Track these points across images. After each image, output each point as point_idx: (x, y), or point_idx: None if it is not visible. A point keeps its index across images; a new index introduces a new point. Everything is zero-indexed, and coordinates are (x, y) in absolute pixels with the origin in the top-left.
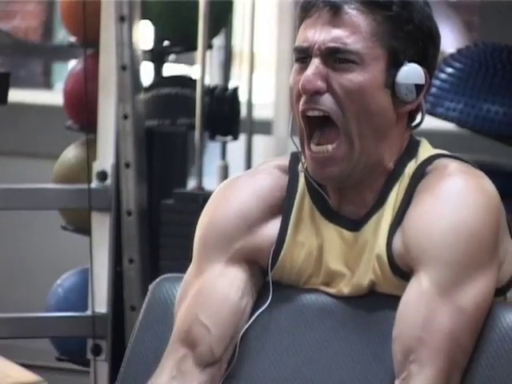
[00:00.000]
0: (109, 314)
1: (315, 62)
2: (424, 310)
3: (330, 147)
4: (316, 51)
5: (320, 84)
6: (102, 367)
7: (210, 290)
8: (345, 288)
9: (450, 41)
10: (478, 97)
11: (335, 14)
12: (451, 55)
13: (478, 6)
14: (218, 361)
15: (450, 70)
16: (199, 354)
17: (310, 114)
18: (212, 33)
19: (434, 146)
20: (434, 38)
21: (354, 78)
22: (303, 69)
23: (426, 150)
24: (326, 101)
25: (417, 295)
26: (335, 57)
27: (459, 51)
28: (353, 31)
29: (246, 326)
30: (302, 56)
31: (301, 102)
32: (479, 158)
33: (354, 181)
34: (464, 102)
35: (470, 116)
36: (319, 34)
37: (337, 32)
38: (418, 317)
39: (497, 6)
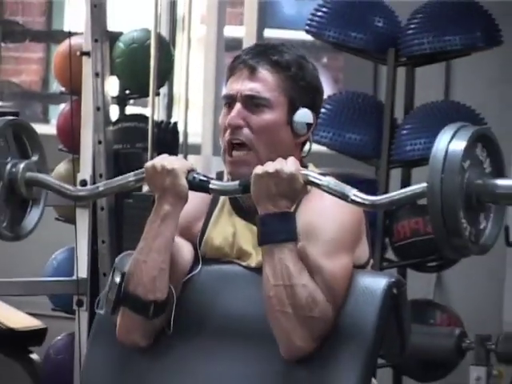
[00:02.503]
0: (88, 278)
1: (238, 106)
2: (308, 259)
3: (242, 154)
4: (239, 97)
5: (240, 121)
6: (84, 315)
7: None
8: (252, 263)
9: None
10: (342, 128)
11: (252, 73)
12: (324, 100)
13: (342, 65)
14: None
15: (323, 110)
16: None
17: (234, 141)
18: (159, 84)
19: (315, 163)
20: (319, 91)
21: (265, 117)
22: (229, 112)
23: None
24: (244, 133)
25: (300, 251)
26: (252, 102)
27: (329, 97)
28: (264, 84)
29: (183, 280)
30: (229, 101)
31: (227, 133)
32: (343, 171)
33: None
34: (332, 132)
35: (336, 142)
36: (241, 86)
37: (253, 85)
38: (303, 260)
39: (355, 66)
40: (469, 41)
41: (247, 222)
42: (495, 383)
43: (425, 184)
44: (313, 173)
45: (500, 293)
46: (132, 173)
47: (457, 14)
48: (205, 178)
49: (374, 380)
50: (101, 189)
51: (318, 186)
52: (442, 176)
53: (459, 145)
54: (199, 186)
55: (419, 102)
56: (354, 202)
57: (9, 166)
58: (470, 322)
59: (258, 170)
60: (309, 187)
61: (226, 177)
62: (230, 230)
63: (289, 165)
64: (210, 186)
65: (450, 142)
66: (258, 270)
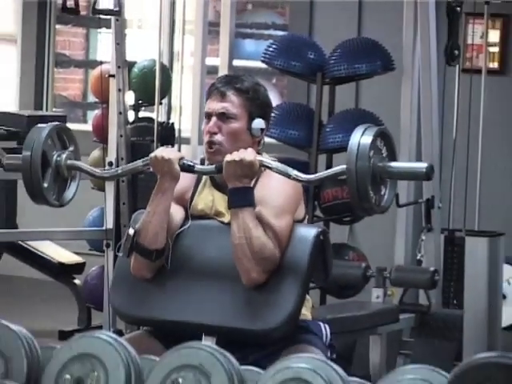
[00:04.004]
0: (113, 228)
1: (214, 119)
2: (262, 219)
3: (216, 148)
4: (214, 113)
5: (215, 129)
6: (110, 254)
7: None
8: (225, 220)
9: (273, 100)
10: (286, 127)
11: (222, 97)
12: (273, 108)
13: (286, 84)
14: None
15: (273, 114)
16: None
17: (212, 148)
18: (161, 97)
19: (268, 150)
20: (269, 105)
21: (232, 126)
22: (208, 122)
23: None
24: (218, 138)
25: (257, 213)
26: (223, 116)
27: (277, 106)
28: (231, 104)
29: (176, 232)
30: (208, 116)
31: (207, 136)
32: (287, 156)
33: None
34: (279, 130)
35: (282, 136)
36: (215, 106)
37: (224, 104)
38: (258, 219)
39: (295, 85)
40: (371, 68)
41: (221, 193)
42: (388, 300)
43: (344, 166)
44: (266, 159)
45: (392, 239)
46: (140, 160)
47: (363, 49)
48: (192, 163)
49: (307, 296)
50: (119, 171)
51: (270, 168)
52: (357, 161)
53: (367, 139)
54: (188, 169)
55: (338, 109)
56: (295, 179)
57: (55, 157)
58: (372, 258)
59: (228, 157)
60: (263, 169)
61: (206, 162)
62: (209, 198)
63: (249, 154)
64: (196, 169)
65: (360, 138)
66: (229, 224)
